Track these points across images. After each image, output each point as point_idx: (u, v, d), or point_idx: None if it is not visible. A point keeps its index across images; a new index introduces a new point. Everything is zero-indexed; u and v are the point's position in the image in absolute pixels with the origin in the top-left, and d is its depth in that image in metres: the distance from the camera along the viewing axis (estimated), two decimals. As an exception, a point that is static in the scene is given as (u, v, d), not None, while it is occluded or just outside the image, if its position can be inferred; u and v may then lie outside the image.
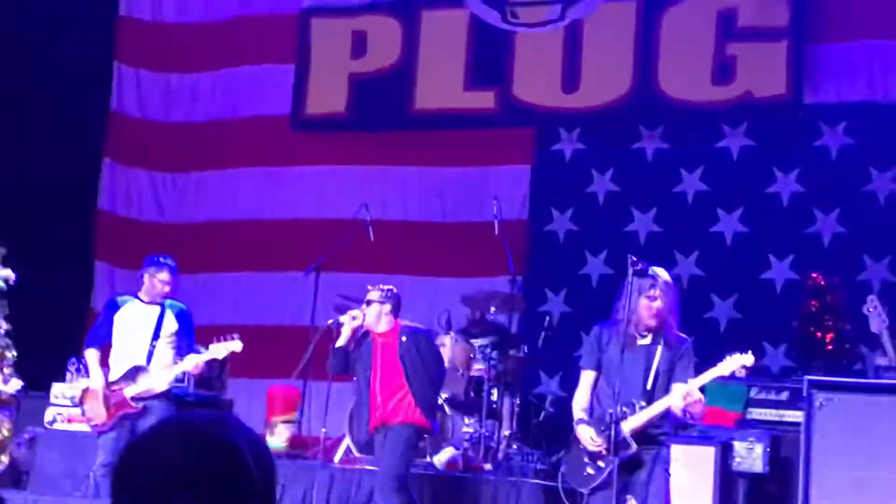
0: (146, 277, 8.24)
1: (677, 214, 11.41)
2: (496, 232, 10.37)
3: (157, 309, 8.21)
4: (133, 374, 8.04)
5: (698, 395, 6.35)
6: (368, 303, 8.00)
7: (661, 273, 6.54)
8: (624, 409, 6.31)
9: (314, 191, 12.59)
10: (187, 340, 8.27)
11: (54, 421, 9.69)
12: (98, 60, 13.00)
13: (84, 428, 8.57)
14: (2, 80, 12.14)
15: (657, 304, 6.40)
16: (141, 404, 7.98)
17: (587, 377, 6.58)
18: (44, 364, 10.01)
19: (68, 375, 9.95)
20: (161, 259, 8.36)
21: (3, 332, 9.67)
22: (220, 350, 8.18)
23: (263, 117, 12.92)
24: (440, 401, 8.88)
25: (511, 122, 12.04)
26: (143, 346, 8.12)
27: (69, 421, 9.52)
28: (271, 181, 12.76)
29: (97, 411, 8.07)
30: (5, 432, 9.47)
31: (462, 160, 12.13)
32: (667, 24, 11.46)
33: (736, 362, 6.46)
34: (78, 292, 12.54)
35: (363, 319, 7.96)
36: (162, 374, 8.07)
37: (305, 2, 12.84)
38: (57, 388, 9.76)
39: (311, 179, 12.65)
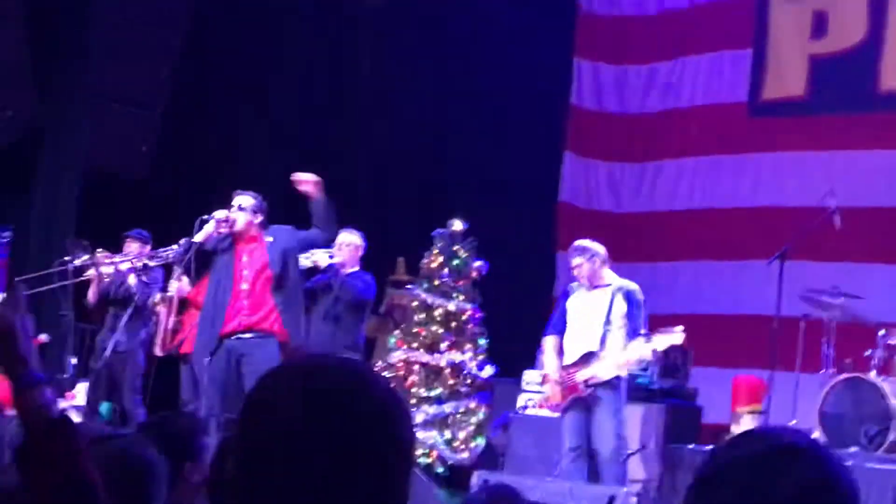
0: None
1: None
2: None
3: (608, 291, 8.27)
4: (587, 358, 8.20)
5: None
6: None
7: None
8: None
9: (774, 178, 12.33)
10: (632, 325, 8.24)
11: (525, 407, 10.03)
12: (560, 57, 13.39)
13: (554, 414, 8.84)
14: (479, 81, 12.81)
15: None
16: (590, 390, 8.12)
17: None
18: (514, 350, 10.43)
19: (538, 362, 10.28)
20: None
21: (477, 318, 10.17)
22: (662, 341, 8.14)
23: (720, 105, 12.81)
24: None
25: None
26: (596, 328, 8.24)
27: (539, 406, 9.83)
28: (729, 169, 12.63)
29: (553, 391, 8.35)
30: (481, 416, 9.96)
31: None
32: None
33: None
34: (542, 282, 12.95)
35: None
36: (611, 361, 8.16)
37: (764, -15, 12.62)
38: (528, 375, 10.09)
39: (770, 166, 12.40)
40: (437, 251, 10.23)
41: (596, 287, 8.29)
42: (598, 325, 8.20)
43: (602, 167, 13.46)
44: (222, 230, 8.19)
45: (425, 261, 10.26)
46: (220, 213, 8.15)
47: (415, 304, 10.23)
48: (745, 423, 10.17)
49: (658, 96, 13.29)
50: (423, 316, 10.16)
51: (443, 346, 10.05)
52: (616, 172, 13.43)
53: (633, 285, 8.38)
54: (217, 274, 8.30)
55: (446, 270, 10.19)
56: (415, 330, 10.14)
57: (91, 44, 11.43)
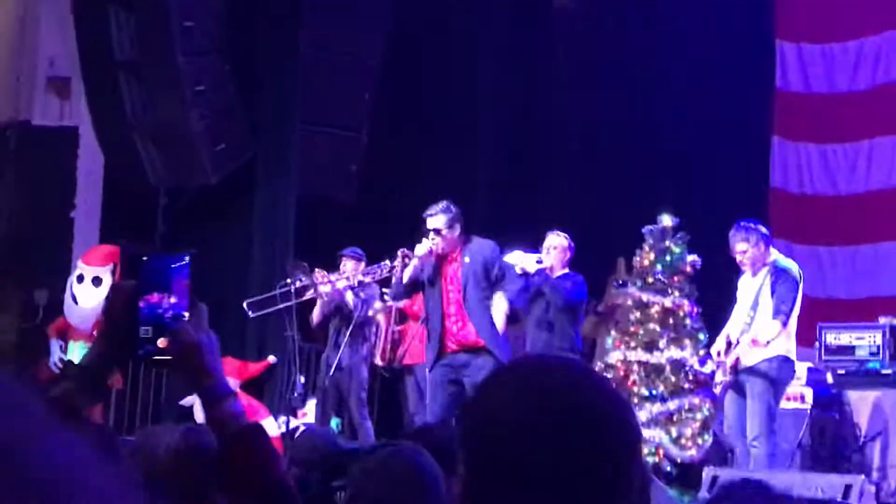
0: None
1: None
2: None
3: (763, 273, 8.05)
4: (735, 344, 8.10)
5: None
6: None
7: None
8: None
9: None
10: (776, 303, 7.93)
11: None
12: (761, 41, 13.14)
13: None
14: (682, 71, 12.70)
15: None
16: (733, 376, 8.05)
17: None
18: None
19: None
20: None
21: (695, 313, 10.04)
22: None
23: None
24: None
25: None
26: (745, 314, 8.08)
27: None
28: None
29: (717, 377, 8.35)
30: (706, 412, 9.82)
31: None
32: None
33: None
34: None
35: None
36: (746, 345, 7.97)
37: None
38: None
39: None
40: (648, 248, 10.14)
41: (757, 271, 8.07)
42: (746, 311, 8.00)
43: (813, 150, 13.11)
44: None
45: (637, 258, 10.18)
46: (421, 250, 8.24)
47: (630, 302, 10.16)
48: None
49: (868, 72, 12.87)
50: (638, 314, 10.08)
51: (661, 343, 9.95)
52: (828, 154, 13.06)
53: (787, 263, 8.09)
54: (428, 297, 8.44)
55: (659, 267, 10.09)
56: (632, 329, 10.07)
57: (297, 72, 11.77)
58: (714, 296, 10.18)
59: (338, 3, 12.17)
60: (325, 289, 9.63)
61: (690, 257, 10.08)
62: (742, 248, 8.03)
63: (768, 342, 7.79)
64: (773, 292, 7.87)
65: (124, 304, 2.34)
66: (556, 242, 9.43)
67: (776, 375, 7.95)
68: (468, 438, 1.71)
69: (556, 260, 9.39)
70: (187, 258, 2.38)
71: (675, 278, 10.07)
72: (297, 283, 9.43)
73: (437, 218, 8.29)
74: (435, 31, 12.88)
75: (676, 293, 10.04)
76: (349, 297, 9.70)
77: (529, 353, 8.31)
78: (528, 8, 13.68)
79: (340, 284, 9.65)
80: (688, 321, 10.01)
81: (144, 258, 2.43)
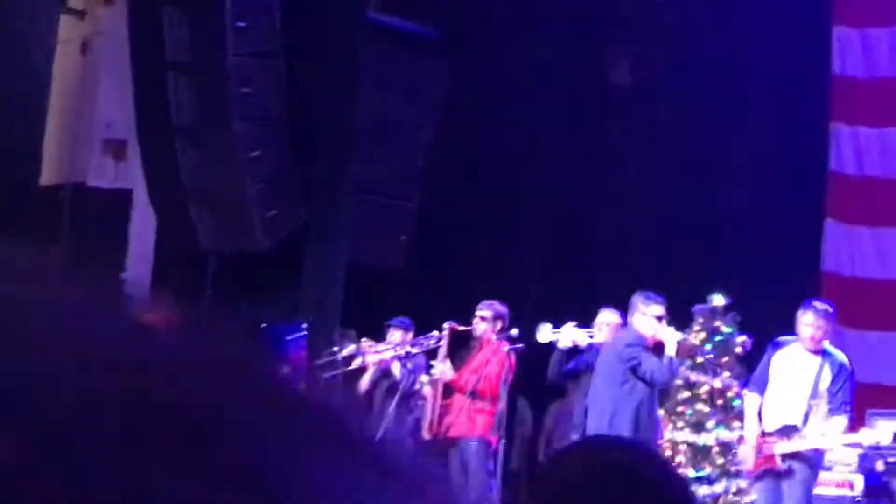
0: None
1: None
2: None
3: (818, 360, 7.84)
4: (787, 431, 7.81)
5: None
6: None
7: None
8: None
9: None
10: (840, 399, 7.75)
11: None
12: (820, 124, 13.12)
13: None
14: (736, 147, 12.67)
15: None
16: (787, 463, 7.75)
17: None
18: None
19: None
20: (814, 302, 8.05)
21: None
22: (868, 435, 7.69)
23: None
24: None
25: None
26: (800, 400, 7.84)
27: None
28: None
29: (747, 455, 8.02)
30: (754, 496, 9.66)
31: None
32: None
33: None
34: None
35: None
36: (813, 440, 7.73)
37: None
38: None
39: None
40: (698, 327, 10.06)
41: (815, 352, 7.89)
42: (804, 398, 7.79)
43: (866, 233, 13.00)
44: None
45: (689, 338, 10.10)
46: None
47: (679, 382, 10.06)
48: None
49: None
50: (687, 394, 9.97)
51: (709, 424, 9.82)
52: (883, 238, 12.94)
53: (843, 356, 7.95)
54: None
55: (709, 347, 10.00)
56: (679, 409, 9.96)
57: (351, 140, 11.85)
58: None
59: (395, 73, 12.28)
60: (372, 358, 9.61)
61: (740, 338, 9.98)
62: (824, 325, 7.88)
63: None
64: (833, 383, 7.73)
65: None
66: (609, 319, 9.36)
67: (818, 463, 7.86)
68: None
69: (607, 336, 9.32)
70: (305, 328, 2.36)
71: (725, 359, 9.96)
72: (345, 352, 9.42)
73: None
74: (494, 101, 12.94)
75: (726, 374, 9.93)
76: (395, 367, 9.67)
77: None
78: (585, 82, 13.73)
79: (388, 354, 9.62)
80: (737, 402, 9.88)
81: (263, 325, 2.40)
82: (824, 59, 13.20)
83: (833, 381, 7.77)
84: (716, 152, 13.18)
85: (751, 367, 9.98)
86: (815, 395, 7.79)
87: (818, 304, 7.98)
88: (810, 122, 13.07)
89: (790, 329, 12.31)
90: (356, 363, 9.63)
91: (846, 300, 12.72)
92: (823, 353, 7.84)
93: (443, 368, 9.14)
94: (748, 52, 13.10)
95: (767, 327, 11.04)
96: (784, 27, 13.03)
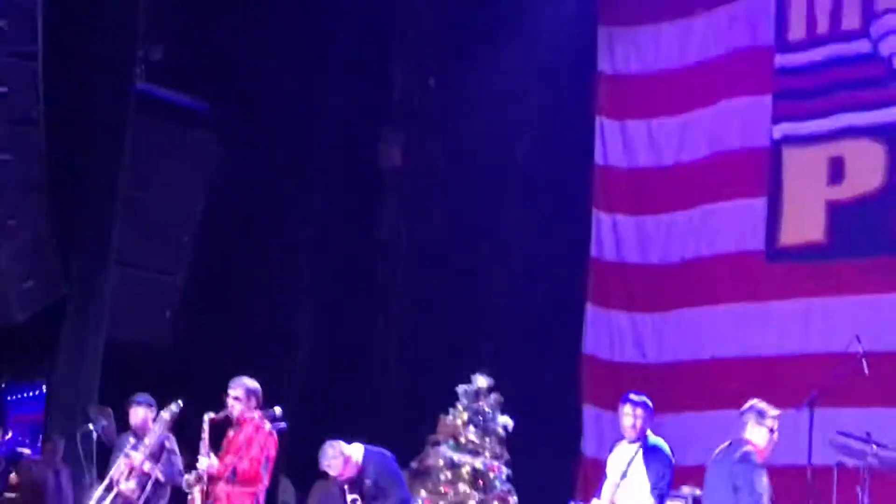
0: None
1: None
2: None
3: (633, 448, 8.04)
4: None
5: None
6: None
7: None
8: None
9: (799, 324, 12.24)
10: (653, 480, 7.99)
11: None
12: (579, 209, 13.51)
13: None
14: (503, 232, 12.86)
15: None
16: None
17: None
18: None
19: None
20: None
21: (504, 476, 10.03)
22: None
23: (739, 253, 12.81)
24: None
25: None
26: (612, 486, 7.99)
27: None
28: (752, 317, 12.55)
29: None
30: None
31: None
32: None
33: None
34: (568, 436, 12.80)
35: None
36: None
37: (776, 133, 12.72)
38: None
39: (794, 313, 12.31)
40: (461, 408, 10.14)
41: (633, 441, 8.07)
42: (615, 480, 7.96)
43: (624, 318, 13.40)
44: None
45: (450, 418, 10.16)
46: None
47: (441, 462, 10.10)
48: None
49: (678, 246, 13.30)
50: (449, 474, 10.02)
51: (471, 504, 9.89)
52: (638, 323, 13.37)
53: (657, 440, 8.17)
54: None
55: (472, 427, 10.09)
56: (441, 489, 9.99)
57: (113, 212, 11.57)
58: (523, 458, 10.23)
59: (164, 145, 12.10)
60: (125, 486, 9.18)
61: (503, 419, 10.11)
62: (639, 412, 7.98)
63: None
64: (650, 470, 7.88)
65: None
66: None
67: None
68: None
69: None
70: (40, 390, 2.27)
71: (488, 439, 10.06)
72: (99, 430, 9.08)
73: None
74: (268, 175, 12.86)
75: (488, 454, 10.03)
76: (157, 472, 9.26)
77: None
78: (358, 163, 13.83)
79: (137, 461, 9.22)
80: (497, 483, 9.98)
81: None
82: (588, 148, 13.69)
83: (647, 465, 7.80)
84: (477, 236, 13.42)
85: (511, 449, 10.13)
86: (624, 475, 7.81)
87: (640, 397, 8.12)
88: (573, 209, 13.47)
89: (553, 410, 12.64)
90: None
91: (606, 383, 13.09)
92: (643, 441, 7.95)
93: (209, 462, 8.87)
94: (512, 140, 13.49)
95: (529, 409, 11.28)
96: (548, 118, 13.48)
